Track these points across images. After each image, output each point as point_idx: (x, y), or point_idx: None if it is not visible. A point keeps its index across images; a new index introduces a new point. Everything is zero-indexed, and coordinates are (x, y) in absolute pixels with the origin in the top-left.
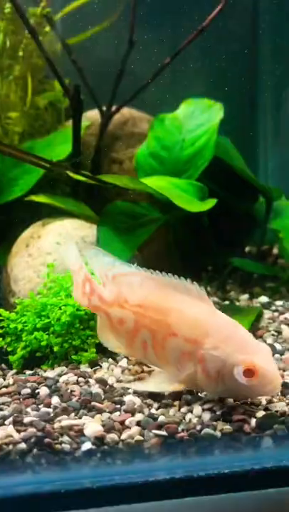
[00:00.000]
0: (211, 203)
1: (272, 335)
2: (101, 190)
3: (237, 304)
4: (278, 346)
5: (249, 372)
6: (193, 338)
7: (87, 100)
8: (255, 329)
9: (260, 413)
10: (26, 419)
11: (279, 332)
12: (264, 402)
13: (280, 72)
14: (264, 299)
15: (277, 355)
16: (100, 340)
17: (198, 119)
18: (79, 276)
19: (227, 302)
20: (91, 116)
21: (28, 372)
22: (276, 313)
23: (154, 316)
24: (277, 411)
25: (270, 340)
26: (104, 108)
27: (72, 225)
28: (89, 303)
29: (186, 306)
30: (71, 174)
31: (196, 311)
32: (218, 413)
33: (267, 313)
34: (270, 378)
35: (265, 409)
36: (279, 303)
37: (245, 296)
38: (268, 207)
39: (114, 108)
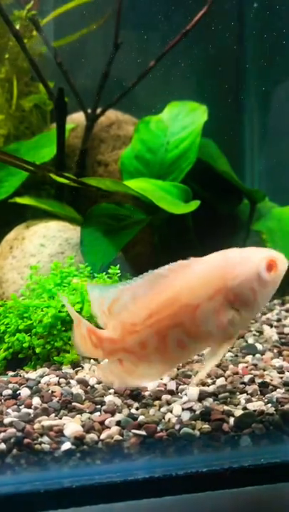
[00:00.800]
0: (194, 205)
1: (254, 335)
2: (86, 192)
3: None
4: (259, 346)
5: (271, 266)
6: (214, 291)
7: (74, 103)
8: None
9: (239, 412)
10: (6, 420)
11: (260, 332)
12: (243, 401)
13: (266, 74)
14: None
15: (258, 355)
16: (147, 382)
17: (182, 121)
18: (82, 330)
19: None
20: (77, 118)
21: (10, 373)
22: (258, 314)
23: (169, 312)
24: (255, 410)
25: (251, 340)
26: (89, 111)
27: (57, 226)
28: (104, 352)
29: (184, 278)
30: (54, 177)
31: (194, 273)
32: (197, 412)
33: None
34: (286, 264)
35: (244, 408)
36: None
37: None
38: (252, 209)
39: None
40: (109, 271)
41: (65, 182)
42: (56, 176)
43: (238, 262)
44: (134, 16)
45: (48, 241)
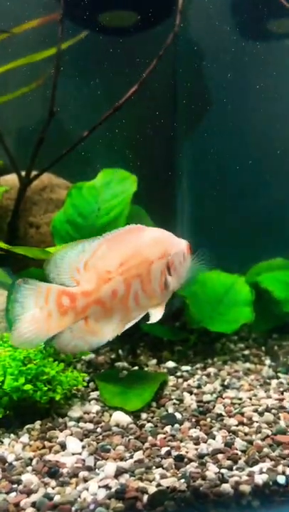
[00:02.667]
0: None
1: (174, 403)
2: (19, 254)
3: (146, 369)
4: (178, 415)
5: (189, 250)
6: (161, 253)
7: (9, 163)
8: (158, 398)
9: (152, 489)
10: None
11: (181, 400)
12: (158, 477)
13: (197, 140)
14: (171, 363)
15: (176, 425)
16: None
17: (113, 189)
18: (51, 298)
19: (136, 367)
20: (11, 179)
21: None
22: (180, 380)
23: (134, 262)
24: (168, 487)
25: (171, 410)
26: (23, 173)
27: None
28: (76, 312)
29: (142, 237)
30: None
31: (149, 236)
32: (112, 490)
33: (172, 380)
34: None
35: (158, 484)
36: (185, 368)
37: (154, 361)
38: None
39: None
40: None
41: None
42: None
43: (174, 238)
44: (73, 81)
45: None
